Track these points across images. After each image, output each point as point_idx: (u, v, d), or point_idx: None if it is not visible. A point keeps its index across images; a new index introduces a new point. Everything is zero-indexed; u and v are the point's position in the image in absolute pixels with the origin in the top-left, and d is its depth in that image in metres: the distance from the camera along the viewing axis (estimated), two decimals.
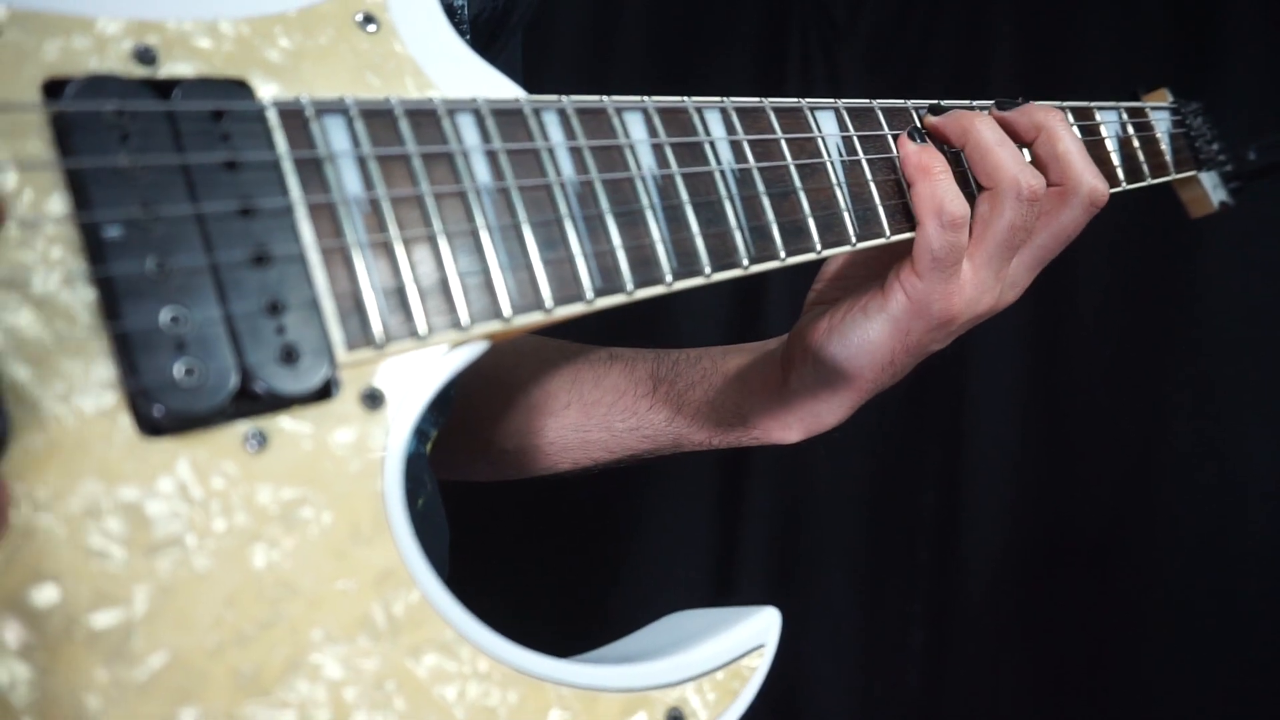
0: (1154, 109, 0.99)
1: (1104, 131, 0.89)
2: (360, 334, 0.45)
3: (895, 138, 0.70)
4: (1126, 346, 1.56)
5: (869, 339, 0.72)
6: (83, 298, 0.39)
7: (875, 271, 0.77)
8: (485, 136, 0.51)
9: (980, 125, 0.70)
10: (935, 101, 0.74)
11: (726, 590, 1.48)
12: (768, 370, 0.80)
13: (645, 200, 0.56)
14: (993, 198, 0.69)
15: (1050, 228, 0.72)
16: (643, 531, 1.48)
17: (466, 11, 0.68)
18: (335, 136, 0.46)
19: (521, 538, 1.37)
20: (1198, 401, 1.54)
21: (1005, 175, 0.68)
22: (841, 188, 0.65)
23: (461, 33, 0.68)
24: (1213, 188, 1.06)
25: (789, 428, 0.79)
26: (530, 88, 0.64)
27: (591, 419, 0.86)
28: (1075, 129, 0.75)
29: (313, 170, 0.45)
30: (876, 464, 1.54)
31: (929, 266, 0.68)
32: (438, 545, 0.67)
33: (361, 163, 0.46)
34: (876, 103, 0.71)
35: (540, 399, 0.87)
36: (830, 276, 0.81)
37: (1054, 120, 0.72)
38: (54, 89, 0.41)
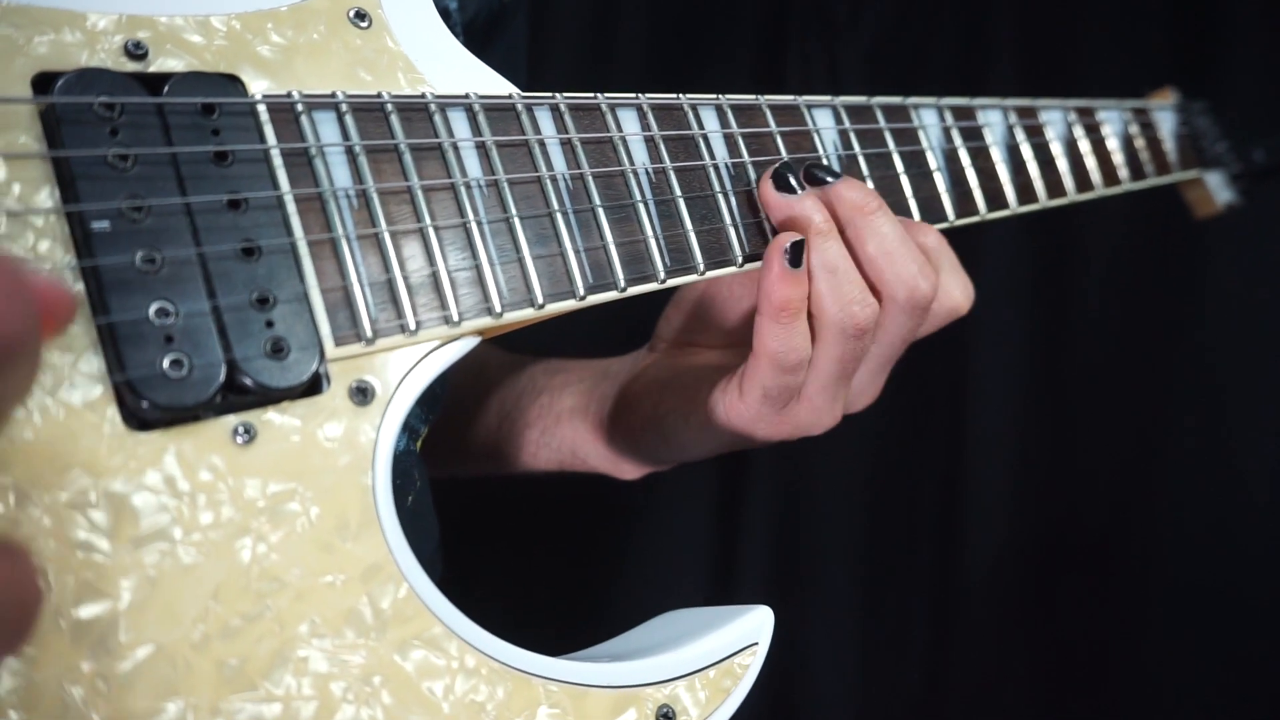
0: (1158, 108, 0.99)
1: (1106, 130, 0.88)
2: (349, 328, 0.45)
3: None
4: (1129, 344, 1.55)
5: (686, 448, 0.68)
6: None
7: (719, 334, 0.71)
8: (476, 131, 0.51)
9: (813, 239, 0.59)
10: (786, 160, 0.62)
11: (727, 587, 1.48)
12: (602, 418, 0.75)
13: (638, 195, 0.55)
14: (817, 329, 0.60)
15: (882, 340, 0.63)
16: (641, 530, 1.47)
17: (459, 16, 0.68)
18: (325, 131, 0.46)
19: (520, 536, 1.37)
20: (1201, 398, 1.53)
21: (829, 311, 0.59)
22: None
23: (455, 36, 0.68)
24: (1218, 188, 1.06)
25: (624, 471, 0.76)
26: (530, 82, 0.64)
27: (459, 444, 0.83)
28: (885, 219, 0.61)
29: (302, 163, 0.45)
30: (878, 461, 1.53)
31: (758, 400, 0.61)
32: (428, 543, 0.67)
33: (351, 155, 0.46)
34: (875, 100, 0.71)
35: (442, 419, 0.82)
36: (691, 306, 0.73)
37: (862, 215, 0.60)
38: (44, 83, 0.41)
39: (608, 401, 0.75)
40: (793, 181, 0.59)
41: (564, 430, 0.77)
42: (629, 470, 0.75)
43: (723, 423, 0.64)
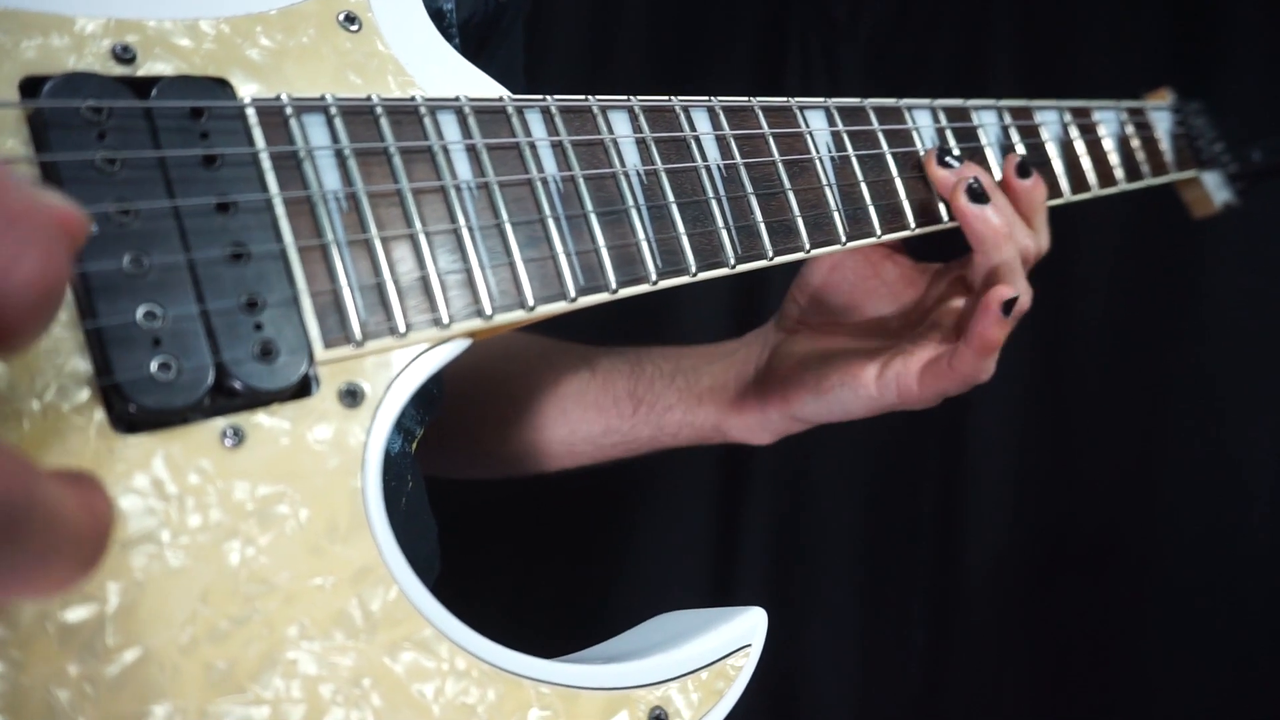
0: (1154, 108, 0.99)
1: (1102, 131, 0.88)
2: (339, 331, 0.45)
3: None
4: (1129, 345, 1.54)
5: (850, 412, 0.77)
6: None
7: (860, 303, 0.80)
8: (466, 133, 0.51)
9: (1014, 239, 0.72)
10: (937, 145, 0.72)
11: (727, 588, 1.48)
12: (743, 393, 0.83)
13: (629, 198, 0.55)
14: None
15: None
16: (641, 531, 1.47)
17: (455, 16, 0.68)
18: (315, 134, 0.46)
19: (518, 538, 1.37)
20: (1201, 399, 1.53)
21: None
22: (832, 187, 0.65)
23: (450, 37, 0.68)
24: (1216, 188, 1.06)
25: (762, 438, 0.84)
26: (529, 82, 0.64)
27: (577, 434, 0.88)
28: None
29: (291, 166, 0.45)
30: (877, 462, 1.53)
31: (935, 394, 0.72)
32: (424, 544, 0.67)
33: (340, 159, 0.46)
34: (868, 102, 0.70)
35: (527, 413, 0.88)
36: (814, 290, 0.82)
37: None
38: (31, 87, 0.41)
39: (746, 378, 0.83)
40: (950, 159, 0.70)
41: (706, 408, 0.85)
42: (767, 437, 0.84)
43: (892, 397, 0.74)
